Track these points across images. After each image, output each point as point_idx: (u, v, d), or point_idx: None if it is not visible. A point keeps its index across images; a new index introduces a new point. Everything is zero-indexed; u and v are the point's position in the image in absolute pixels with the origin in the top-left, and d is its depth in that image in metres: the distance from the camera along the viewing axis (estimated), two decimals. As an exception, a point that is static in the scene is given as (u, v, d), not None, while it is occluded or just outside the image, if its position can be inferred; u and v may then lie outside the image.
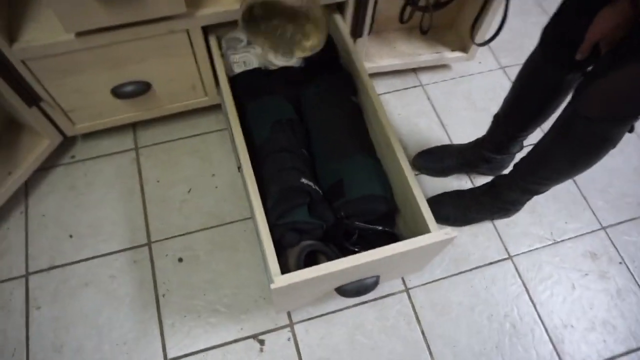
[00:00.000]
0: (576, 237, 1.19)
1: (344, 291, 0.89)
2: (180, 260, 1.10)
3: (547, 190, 1.01)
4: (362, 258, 0.78)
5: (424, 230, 0.85)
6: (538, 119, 1.00)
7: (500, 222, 1.19)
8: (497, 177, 1.09)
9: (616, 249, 1.17)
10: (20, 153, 1.11)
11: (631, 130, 0.77)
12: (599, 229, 1.20)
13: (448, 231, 0.81)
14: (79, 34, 0.93)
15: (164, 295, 1.06)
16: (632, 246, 1.18)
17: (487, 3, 1.19)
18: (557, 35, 0.84)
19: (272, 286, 0.74)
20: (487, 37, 1.24)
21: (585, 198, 1.25)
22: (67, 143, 1.23)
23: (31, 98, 1.02)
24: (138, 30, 0.96)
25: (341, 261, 0.77)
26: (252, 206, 0.88)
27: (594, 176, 1.28)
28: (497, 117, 1.10)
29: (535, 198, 1.20)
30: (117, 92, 1.08)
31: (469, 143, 1.21)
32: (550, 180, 0.95)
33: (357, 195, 0.92)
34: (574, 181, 1.27)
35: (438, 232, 0.82)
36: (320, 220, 0.90)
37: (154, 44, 1.00)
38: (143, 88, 1.09)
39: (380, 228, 0.94)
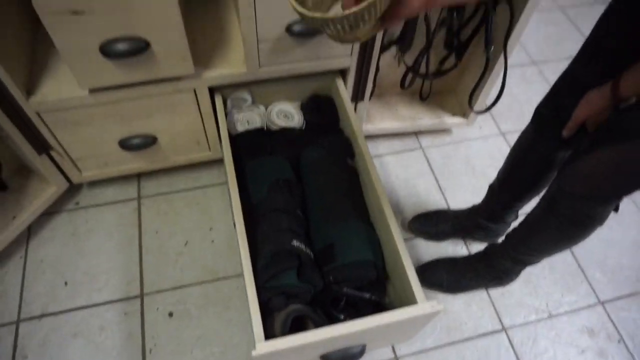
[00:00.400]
0: (573, 311, 1.16)
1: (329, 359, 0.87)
2: (171, 314, 1.10)
3: (538, 261, 1.00)
4: (347, 327, 0.77)
5: (411, 300, 0.84)
6: (532, 191, 1.01)
7: (495, 292, 1.18)
8: (490, 245, 1.09)
9: (614, 325, 1.15)
10: (27, 198, 1.15)
11: (616, 209, 0.78)
12: (596, 304, 1.18)
13: (434, 304, 0.81)
14: (92, 90, 0.98)
15: (150, 351, 1.05)
16: (632, 323, 1.15)
17: (485, 72, 1.24)
18: (549, 114, 0.87)
19: (254, 352, 0.74)
20: (487, 104, 1.28)
21: (582, 270, 1.23)
22: (73, 190, 1.27)
23: (42, 146, 1.06)
24: (147, 89, 1.01)
25: (326, 330, 0.77)
26: (242, 266, 0.89)
27: (591, 247, 1.27)
28: (492, 187, 1.11)
29: (530, 268, 1.20)
30: (124, 145, 1.12)
31: (465, 209, 1.22)
32: (540, 252, 0.95)
33: (347, 261, 0.93)
34: (571, 252, 1.26)
35: (425, 304, 0.81)
36: (309, 285, 0.90)
37: (162, 101, 1.05)
38: (149, 141, 1.14)
39: (368, 296, 0.93)
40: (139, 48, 0.89)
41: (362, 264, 0.93)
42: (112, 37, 0.87)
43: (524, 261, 1.01)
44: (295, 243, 0.93)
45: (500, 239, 1.08)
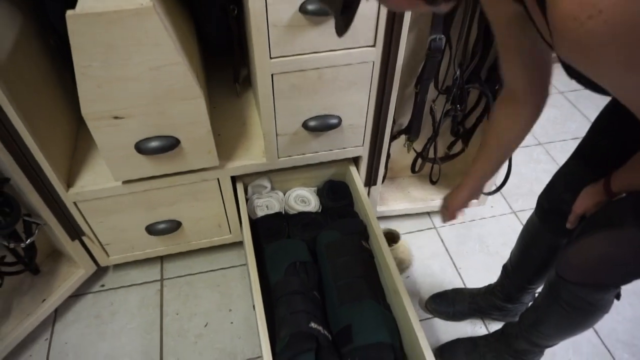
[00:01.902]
0: (602, 396, 1.12)
1: None
2: (189, 399, 1.10)
3: (554, 344, 0.99)
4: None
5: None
6: (543, 274, 1.03)
7: (518, 375, 1.15)
8: (508, 324, 1.09)
9: (648, 412, 1.09)
10: (57, 281, 1.21)
11: (618, 297, 0.79)
12: (627, 388, 1.14)
13: (452, 389, 0.80)
14: (125, 182, 1.07)
15: None
16: (666, 410, 1.10)
17: (491, 158, 1.30)
18: (549, 205, 0.92)
19: None
20: (496, 184, 1.33)
21: (609, 350, 1.20)
22: (99, 272, 1.32)
23: (75, 233, 1.14)
24: (175, 179, 1.10)
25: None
26: (262, 349, 0.91)
27: (616, 327, 1.24)
28: (505, 268, 1.13)
29: (554, 349, 1.17)
30: (151, 230, 1.19)
31: (481, 288, 1.23)
32: (552, 336, 0.94)
33: (365, 343, 0.94)
34: (595, 331, 1.23)
35: (442, 390, 0.81)
36: (327, 368, 0.91)
37: (188, 189, 1.14)
38: (174, 226, 1.21)
39: (386, 380, 0.93)
40: (171, 145, 0.99)
41: (380, 346, 0.94)
42: (147, 136, 0.98)
43: (538, 343, 1.00)
44: (313, 325, 0.95)
45: (518, 318, 1.08)
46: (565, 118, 1.88)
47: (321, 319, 1.00)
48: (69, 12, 0.77)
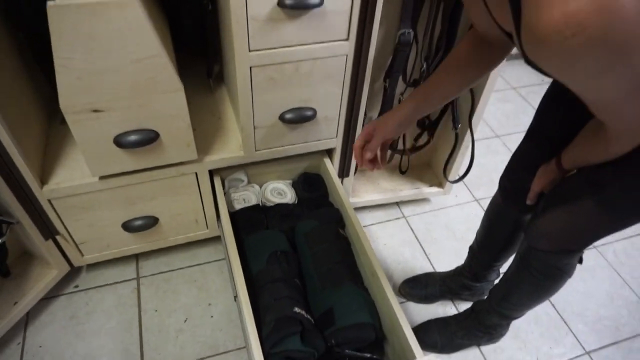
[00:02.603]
0: (562, 363, 1.22)
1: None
2: (172, 392, 1.10)
3: (522, 314, 1.08)
4: (353, 386, 0.82)
5: (410, 358, 0.89)
6: (507, 250, 1.11)
7: (487, 348, 1.23)
8: (477, 302, 1.16)
9: (603, 375, 1.20)
10: (28, 283, 1.17)
11: (580, 261, 0.88)
12: (583, 354, 1.24)
13: (432, 357, 0.86)
14: (102, 177, 1.06)
15: None
16: (618, 372, 1.21)
17: (456, 147, 1.38)
18: (510, 185, 1.00)
19: (266, 416, 0.77)
20: (459, 174, 1.42)
21: (565, 322, 1.30)
22: (72, 273, 1.29)
23: (49, 232, 1.12)
24: (153, 174, 1.10)
25: (333, 390, 0.81)
26: (247, 335, 0.93)
27: (570, 299, 1.35)
28: (471, 249, 1.21)
29: (518, 323, 1.26)
30: (127, 226, 1.19)
31: (450, 271, 1.30)
32: (521, 305, 1.02)
33: (346, 324, 0.98)
34: (552, 304, 1.34)
35: (424, 358, 0.86)
36: (312, 349, 0.95)
37: (165, 184, 1.14)
38: (151, 222, 1.20)
39: (368, 356, 0.98)
40: (150, 139, 1.00)
41: (362, 326, 0.98)
42: (126, 130, 0.98)
43: (508, 315, 1.08)
44: (297, 309, 0.98)
45: (486, 295, 1.16)
46: (519, 112, 2.01)
47: (304, 304, 1.03)
48: (50, 3, 0.77)
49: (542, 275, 0.90)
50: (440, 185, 1.52)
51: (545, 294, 0.96)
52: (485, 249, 1.15)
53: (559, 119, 0.84)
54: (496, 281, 1.21)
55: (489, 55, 0.81)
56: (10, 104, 0.96)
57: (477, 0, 0.66)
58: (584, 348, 1.25)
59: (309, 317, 1.00)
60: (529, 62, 0.56)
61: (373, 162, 0.92)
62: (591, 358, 1.23)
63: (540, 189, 0.87)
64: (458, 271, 1.27)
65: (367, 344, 0.99)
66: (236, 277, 1.00)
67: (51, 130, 1.18)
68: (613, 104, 0.55)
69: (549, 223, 0.83)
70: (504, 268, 1.19)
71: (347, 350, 0.97)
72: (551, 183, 0.85)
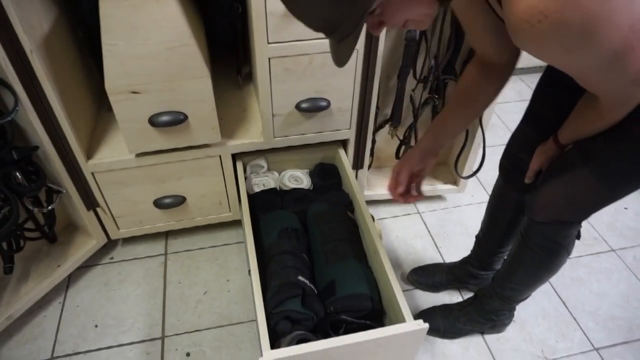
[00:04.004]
0: (568, 356, 1.22)
1: (330, 382, 0.96)
2: (188, 354, 1.20)
3: (523, 297, 1.10)
4: (343, 340, 0.88)
5: (400, 321, 0.95)
6: (511, 235, 1.15)
7: (491, 337, 1.25)
8: (479, 289, 1.20)
9: (610, 371, 1.19)
10: (71, 250, 1.33)
11: (578, 236, 0.92)
12: (591, 350, 1.23)
13: (420, 322, 0.91)
14: (138, 155, 1.21)
15: (168, 387, 1.14)
16: (627, 370, 1.19)
17: (467, 141, 1.44)
18: (510, 166, 1.05)
19: (260, 359, 0.85)
20: (472, 171, 1.47)
21: (575, 319, 1.30)
22: (109, 246, 1.44)
23: (91, 203, 1.27)
24: (181, 154, 1.23)
25: (324, 341, 0.88)
26: (254, 297, 1.02)
27: (582, 299, 1.35)
28: (477, 238, 1.25)
29: (525, 316, 1.28)
30: (158, 203, 1.32)
31: (458, 261, 1.34)
32: (523, 285, 1.06)
33: (346, 293, 1.05)
34: (563, 302, 1.34)
35: (412, 322, 0.92)
36: (312, 313, 1.02)
37: (192, 165, 1.27)
38: (179, 201, 1.34)
39: (365, 322, 1.04)
40: (179, 120, 1.14)
41: (360, 296, 1.05)
42: (159, 111, 1.12)
43: (510, 298, 1.11)
44: (300, 278, 1.06)
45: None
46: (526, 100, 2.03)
47: (309, 275, 1.11)
48: (101, -2, 0.93)
49: (542, 249, 0.94)
50: (454, 183, 1.57)
51: (545, 272, 1.00)
52: (489, 234, 1.20)
53: (554, 101, 0.90)
54: (500, 269, 1.25)
55: (494, 78, 0.89)
56: (67, 90, 1.13)
57: (477, 17, 0.76)
58: (592, 345, 1.24)
59: (312, 286, 1.08)
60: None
61: (404, 195, 1.03)
62: (600, 355, 1.22)
63: (538, 167, 0.92)
64: (465, 260, 1.31)
65: (364, 314, 1.05)
66: (248, 248, 1.10)
67: (99, 116, 1.35)
68: (590, 78, 0.62)
69: (547, 195, 0.88)
70: (507, 256, 1.23)
71: (344, 316, 1.03)
72: (548, 160, 0.90)
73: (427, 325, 0.91)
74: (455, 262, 1.35)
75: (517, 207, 1.08)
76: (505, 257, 1.24)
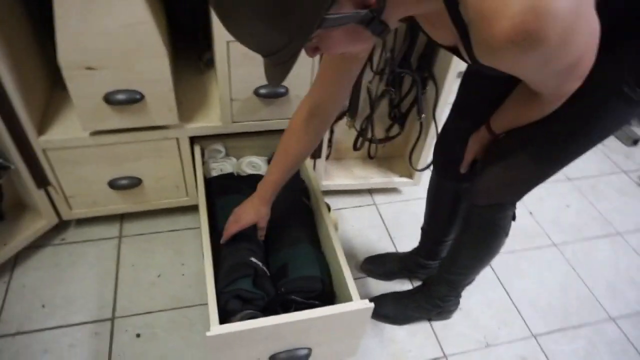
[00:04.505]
0: (508, 342, 1.28)
1: (277, 360, 0.98)
2: (138, 335, 1.19)
3: (468, 281, 1.16)
4: (292, 317, 0.90)
5: (349, 300, 0.98)
6: (453, 223, 1.20)
7: (438, 323, 1.30)
8: (428, 277, 1.25)
9: (546, 356, 1.26)
10: (19, 229, 1.29)
11: (514, 218, 0.97)
12: (529, 337, 1.30)
13: (367, 302, 0.95)
14: (93, 133, 1.19)
15: (115, 368, 1.13)
16: (561, 354, 1.26)
17: (420, 135, 1.49)
18: (444, 158, 1.11)
19: (208, 333, 0.86)
20: (426, 164, 1.52)
21: (516, 307, 1.37)
22: (60, 227, 1.41)
23: (42, 181, 1.24)
24: (138, 135, 1.23)
25: (271, 318, 0.90)
26: (205, 277, 1.02)
27: (524, 288, 1.42)
28: (422, 229, 1.31)
29: (471, 304, 1.34)
30: (113, 184, 1.31)
31: (408, 252, 1.39)
32: (467, 268, 1.11)
33: (297, 275, 1.07)
34: (506, 292, 1.41)
35: (359, 301, 0.95)
36: (263, 293, 1.04)
37: (149, 146, 1.27)
38: (135, 182, 1.32)
39: (315, 302, 1.06)
40: (135, 99, 1.13)
41: (310, 278, 1.08)
42: (115, 89, 1.11)
43: (456, 282, 1.16)
44: (253, 259, 1.08)
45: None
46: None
47: (262, 258, 1.13)
48: (55, -32, 0.92)
49: (482, 231, 1.00)
50: (410, 176, 1.62)
51: (487, 253, 1.05)
52: (432, 224, 1.25)
53: (479, 91, 0.95)
54: (447, 257, 1.30)
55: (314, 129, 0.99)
56: (19, 63, 1.10)
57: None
58: (530, 331, 1.31)
59: (264, 268, 1.09)
60: (474, 63, 0.65)
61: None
62: (537, 341, 1.29)
63: (473, 156, 0.97)
64: (414, 251, 1.36)
65: (315, 295, 1.08)
66: (202, 228, 1.11)
67: (54, 94, 1.32)
68: (550, 81, 0.66)
69: (486, 180, 0.94)
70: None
71: (293, 297, 1.05)
72: (482, 149, 0.95)
73: (372, 304, 0.95)
74: (405, 253, 1.40)
75: (455, 197, 1.14)
76: (449, 243, 1.30)
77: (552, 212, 1.69)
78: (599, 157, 2.01)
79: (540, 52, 0.55)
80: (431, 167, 1.16)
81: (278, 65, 0.59)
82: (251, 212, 1.08)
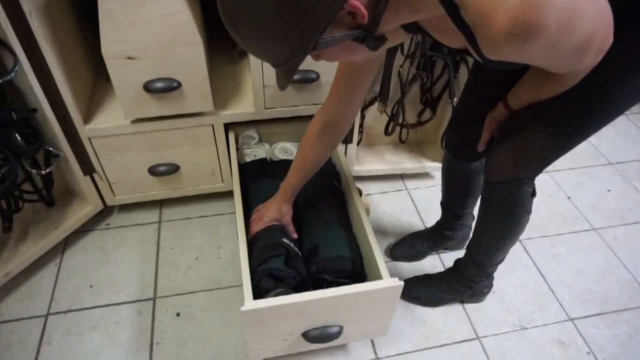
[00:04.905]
0: (544, 325, 1.26)
1: (309, 337, 1.01)
2: (178, 314, 1.25)
3: (497, 261, 1.15)
4: (322, 294, 0.93)
5: (378, 278, 1.00)
6: (470, 196, 1.22)
7: (470, 306, 1.29)
8: (458, 259, 1.25)
9: (584, 339, 1.23)
10: (68, 214, 1.38)
11: (534, 194, 0.96)
12: (566, 320, 1.27)
13: (396, 280, 0.96)
14: (133, 121, 1.25)
15: (157, 343, 1.19)
16: (600, 338, 1.23)
17: (454, 123, 1.48)
18: (459, 139, 1.10)
19: (242, 308, 0.89)
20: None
21: (552, 291, 1.34)
22: (105, 213, 1.49)
23: (88, 168, 1.32)
24: (176, 122, 1.28)
25: (304, 294, 0.93)
26: (240, 257, 1.06)
27: (561, 273, 1.39)
28: (442, 204, 1.33)
29: (504, 287, 1.33)
30: (152, 171, 1.37)
31: (432, 226, 1.40)
32: (492, 248, 1.10)
33: (328, 255, 1.10)
34: (542, 275, 1.38)
35: (388, 279, 0.97)
36: (295, 272, 1.07)
37: (186, 133, 1.32)
38: (173, 169, 1.38)
39: (346, 281, 1.08)
40: (173, 87, 1.18)
41: (341, 258, 1.10)
42: (154, 77, 1.16)
43: (483, 262, 1.15)
44: (285, 240, 1.11)
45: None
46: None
47: (294, 240, 1.16)
48: (97, -38, 0.97)
49: (501, 209, 0.99)
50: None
51: (510, 232, 1.04)
52: (450, 200, 1.28)
53: (495, 72, 0.94)
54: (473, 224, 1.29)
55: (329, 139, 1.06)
56: (66, 55, 1.17)
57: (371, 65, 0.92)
58: (567, 315, 1.29)
59: (296, 248, 1.12)
60: (486, 62, 0.67)
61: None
62: (574, 324, 1.27)
63: (490, 134, 0.97)
64: (438, 225, 1.38)
65: (345, 275, 1.10)
66: (236, 209, 1.15)
67: (98, 85, 1.40)
68: (563, 63, 0.67)
69: (501, 155, 0.93)
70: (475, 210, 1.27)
71: (325, 276, 1.08)
72: (499, 125, 0.95)
73: (402, 282, 0.96)
74: (429, 228, 1.41)
75: (470, 172, 1.15)
76: (471, 211, 1.30)
77: (591, 197, 1.64)
78: (643, 141, 1.93)
79: (542, 39, 0.56)
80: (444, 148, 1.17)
81: (284, 74, 0.66)
82: (273, 210, 1.12)
